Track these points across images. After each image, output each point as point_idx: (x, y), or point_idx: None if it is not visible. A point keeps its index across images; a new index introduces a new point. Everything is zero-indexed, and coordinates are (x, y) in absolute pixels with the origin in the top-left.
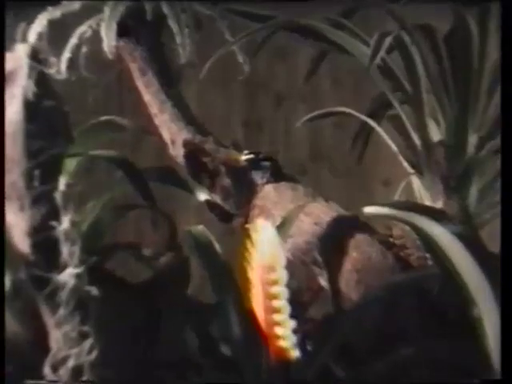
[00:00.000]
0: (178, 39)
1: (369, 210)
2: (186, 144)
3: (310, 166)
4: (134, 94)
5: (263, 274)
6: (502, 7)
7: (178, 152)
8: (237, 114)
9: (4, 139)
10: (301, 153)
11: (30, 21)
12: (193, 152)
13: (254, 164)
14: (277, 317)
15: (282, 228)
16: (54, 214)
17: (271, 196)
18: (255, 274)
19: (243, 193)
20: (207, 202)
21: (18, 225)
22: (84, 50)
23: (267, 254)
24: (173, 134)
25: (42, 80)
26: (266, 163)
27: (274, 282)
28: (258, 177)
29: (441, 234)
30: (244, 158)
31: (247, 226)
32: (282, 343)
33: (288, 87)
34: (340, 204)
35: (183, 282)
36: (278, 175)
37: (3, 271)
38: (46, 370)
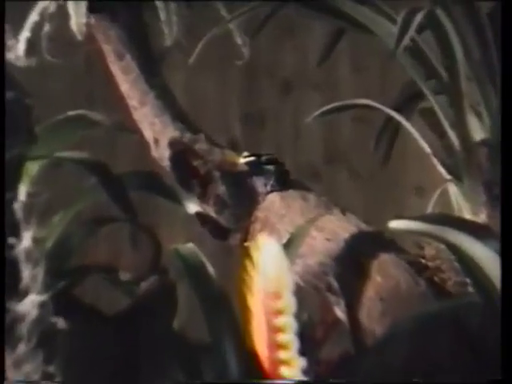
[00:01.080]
0: (163, 16)
1: (396, 224)
2: (172, 144)
3: (323, 170)
4: (108, 83)
5: (267, 302)
6: (502, 7)
7: (162, 153)
8: (234, 107)
9: (4, 138)
10: (313, 154)
11: None
12: (181, 153)
13: (255, 168)
14: (283, 354)
15: (290, 246)
16: (13, 230)
17: (276, 207)
18: (257, 302)
19: (242, 203)
20: (198, 214)
21: None
22: (47, 28)
23: (272, 277)
24: (156, 131)
25: None
26: (270, 167)
27: (280, 312)
28: (260, 184)
29: (483, 255)
30: (243, 160)
31: (247, 243)
32: None
33: (297, 74)
34: (361, 217)
35: (169, 313)
36: (284, 182)
37: (3, 271)
38: None
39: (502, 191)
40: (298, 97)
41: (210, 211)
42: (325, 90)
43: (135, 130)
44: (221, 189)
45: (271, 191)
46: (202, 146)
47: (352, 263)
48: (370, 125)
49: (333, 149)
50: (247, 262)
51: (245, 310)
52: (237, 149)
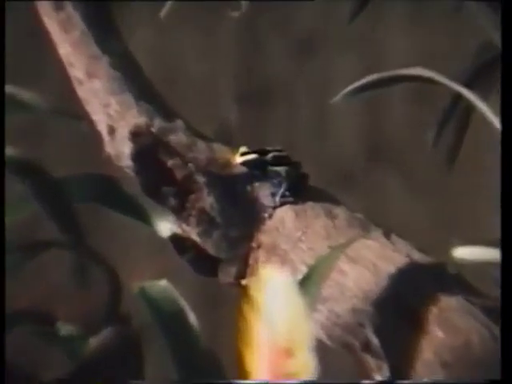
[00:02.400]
0: None
1: (465, 252)
2: (135, 134)
3: (359, 173)
4: (42, 45)
5: (275, 364)
6: (502, 7)
7: (120, 149)
8: (228, 81)
9: (4, 139)
10: (343, 150)
11: None
12: (148, 149)
13: (257, 170)
14: None
15: (309, 285)
16: None
17: (289, 228)
18: (260, 363)
19: (238, 222)
20: (174, 238)
21: None
22: None
23: (282, 329)
24: (112, 116)
25: None
26: (280, 169)
27: (293, 376)
28: (265, 193)
29: None
30: (240, 159)
31: (245, 281)
32: None
33: (318, 32)
34: (414, 242)
35: (131, 378)
36: (300, 190)
37: (3, 270)
38: None
39: (502, 191)
40: (321, 66)
41: (192, 233)
42: (359, 56)
43: (81, 115)
44: (207, 201)
45: (281, 204)
46: (179, 137)
47: (400, 310)
48: (427, 107)
49: (373, 142)
50: (246, 308)
51: (242, 374)
52: (231, 142)
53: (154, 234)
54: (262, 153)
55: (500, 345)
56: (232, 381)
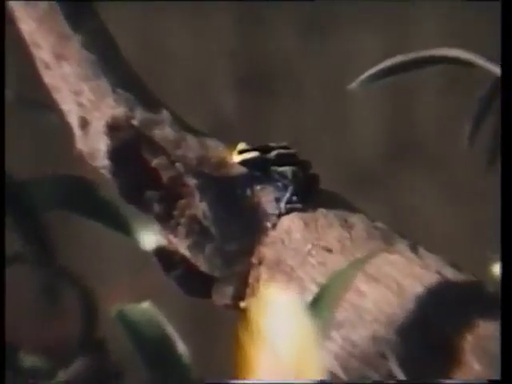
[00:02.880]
0: None
1: None
2: (112, 128)
3: (380, 174)
4: (2, 24)
5: None
6: (502, 7)
7: (94, 145)
8: (223, 63)
9: (4, 139)
10: (362, 145)
11: None
12: (127, 145)
13: (259, 171)
14: None
15: (321, 308)
16: None
17: (296, 240)
18: None
19: (236, 232)
20: (159, 251)
21: None
22: None
23: (288, 359)
24: (84, 105)
25: None
26: (286, 169)
27: None
28: (267, 198)
29: None
30: (238, 158)
31: (244, 303)
32: None
33: (330, 5)
34: (446, 256)
35: None
36: (309, 194)
37: (3, 270)
38: None
39: (502, 191)
40: (334, 46)
41: (181, 246)
42: (383, 32)
43: (48, 105)
44: (199, 207)
45: (287, 211)
46: (165, 132)
47: (429, 338)
48: (463, 96)
49: (397, 137)
50: (245, 335)
51: None
52: (228, 137)
53: (136, 247)
54: (265, 150)
55: (500, 345)
56: (232, 381)
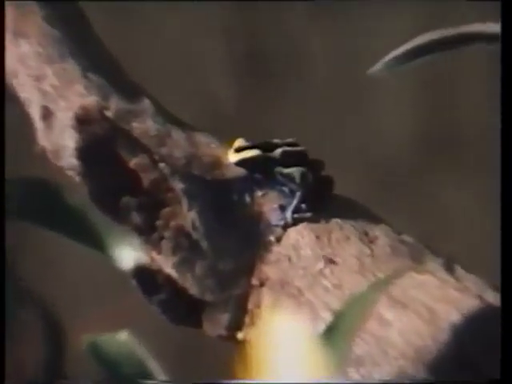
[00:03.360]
0: None
1: None
2: (81, 120)
3: (408, 176)
4: None
5: None
6: (502, 7)
7: (59, 141)
8: (218, 44)
9: (4, 139)
10: (383, 144)
11: None
12: (100, 141)
13: (259, 173)
14: None
15: (336, 339)
16: None
17: (306, 257)
18: None
19: (233, 248)
20: (139, 271)
21: None
22: None
23: None
24: (47, 93)
25: None
26: (292, 170)
27: None
28: (270, 206)
29: None
30: (235, 157)
31: (242, 333)
32: None
33: None
34: (488, 276)
35: None
36: (321, 201)
37: (3, 271)
38: None
39: (502, 191)
40: (351, 23)
41: (165, 264)
42: (408, 9)
43: (3, 92)
44: (188, 217)
45: (295, 222)
46: (146, 125)
47: (468, 375)
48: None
49: (429, 131)
50: (243, 372)
51: None
52: (223, 131)
53: (111, 266)
54: (267, 148)
55: (500, 345)
56: (232, 381)
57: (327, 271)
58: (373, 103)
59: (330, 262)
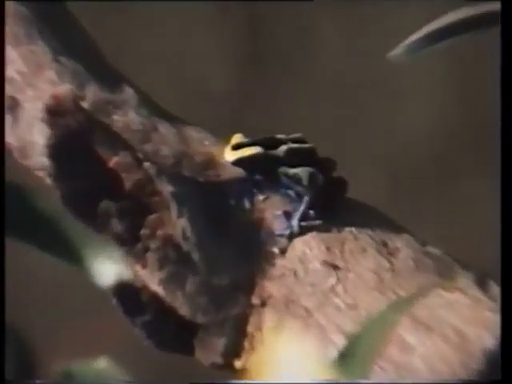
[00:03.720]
0: None
1: None
2: (53, 111)
3: (432, 177)
4: None
5: None
6: (502, 7)
7: (27, 136)
8: (216, 27)
9: (4, 139)
10: (405, 139)
11: None
12: (75, 137)
13: (260, 173)
14: None
15: (350, 367)
16: None
17: (315, 271)
18: None
19: (230, 262)
20: (120, 287)
21: None
22: None
23: None
24: (13, 80)
25: None
26: (299, 171)
27: None
28: (274, 213)
29: None
30: (232, 155)
31: (241, 361)
32: None
33: None
34: None
35: None
36: (333, 207)
37: (3, 271)
38: None
39: (502, 190)
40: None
41: (151, 281)
42: None
43: None
44: (178, 225)
45: (302, 231)
46: (129, 118)
47: None
48: None
49: (460, 123)
50: None
51: None
52: (219, 125)
53: (88, 282)
54: (270, 144)
55: (500, 345)
56: (233, 381)
57: (340, 288)
58: (392, 93)
59: (334, 268)
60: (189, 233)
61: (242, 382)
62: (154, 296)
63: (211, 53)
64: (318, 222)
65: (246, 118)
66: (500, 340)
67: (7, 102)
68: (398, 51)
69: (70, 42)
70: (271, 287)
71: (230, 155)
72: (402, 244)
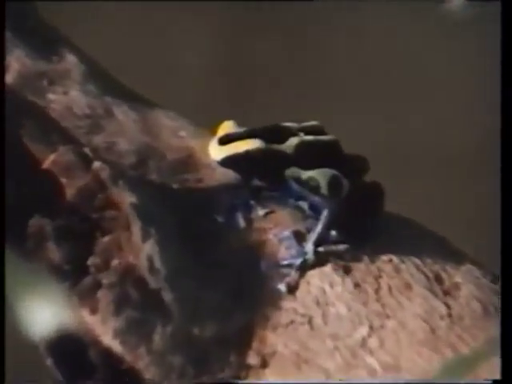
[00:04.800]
0: None
1: None
2: None
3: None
4: None
5: None
6: (502, 7)
7: None
8: None
9: (4, 139)
10: (453, 130)
11: None
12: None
13: (260, 177)
14: None
15: None
16: None
17: (336, 316)
18: None
19: (216, 304)
20: (57, 340)
21: None
22: None
23: None
24: None
25: None
26: (314, 174)
27: None
28: (279, 234)
29: None
30: (221, 151)
31: None
32: None
33: None
34: None
35: None
36: (363, 226)
37: (3, 271)
38: None
39: (502, 190)
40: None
41: (103, 330)
42: None
43: None
44: (142, 252)
45: (319, 260)
46: (71, 96)
47: None
48: None
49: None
50: None
51: None
52: (204, 110)
53: (14, 331)
54: (274, 136)
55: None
56: (234, 381)
57: (374, 342)
58: (431, 67)
59: (366, 313)
60: (157, 263)
61: (243, 382)
62: (107, 353)
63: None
64: (342, 247)
65: (244, 103)
66: (500, 340)
67: None
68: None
69: None
70: (276, 341)
71: (217, 151)
72: (463, 278)
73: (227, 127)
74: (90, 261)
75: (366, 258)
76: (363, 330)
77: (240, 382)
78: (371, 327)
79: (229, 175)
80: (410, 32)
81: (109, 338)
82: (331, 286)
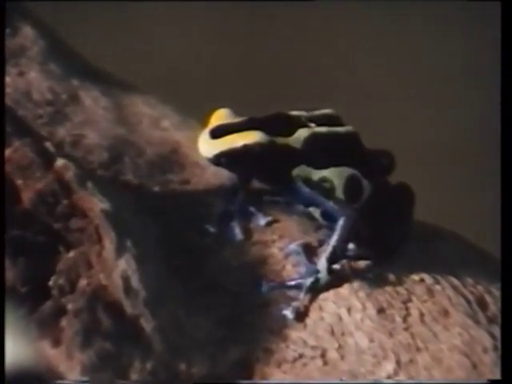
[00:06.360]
0: None
1: None
2: None
3: None
4: None
5: None
6: (502, 7)
7: None
8: None
9: (4, 140)
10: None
11: None
12: None
13: (263, 178)
14: None
15: None
16: None
17: (355, 348)
18: None
19: (208, 332)
20: (21, 377)
21: None
22: None
23: None
24: None
25: None
26: (329, 174)
27: None
28: (284, 248)
29: None
30: (213, 147)
31: None
32: None
33: None
34: None
35: None
36: (386, 238)
37: (3, 270)
38: None
39: (502, 190)
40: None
41: (68, 367)
42: None
43: None
44: (116, 270)
45: (335, 280)
46: (30, 78)
47: None
48: None
49: None
50: None
51: None
52: (193, 94)
53: None
54: (279, 127)
55: (500, 345)
56: (235, 381)
57: (402, 380)
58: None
59: (393, 344)
60: (135, 283)
61: (243, 382)
62: None
63: None
64: (362, 264)
65: (245, 84)
66: (500, 340)
67: None
68: None
69: None
70: (281, 378)
71: (208, 146)
72: None
73: (221, 116)
74: (52, 281)
75: (392, 278)
76: (389, 367)
77: (240, 381)
78: (398, 362)
79: (222, 175)
80: (410, 32)
81: (76, 376)
82: (349, 311)
